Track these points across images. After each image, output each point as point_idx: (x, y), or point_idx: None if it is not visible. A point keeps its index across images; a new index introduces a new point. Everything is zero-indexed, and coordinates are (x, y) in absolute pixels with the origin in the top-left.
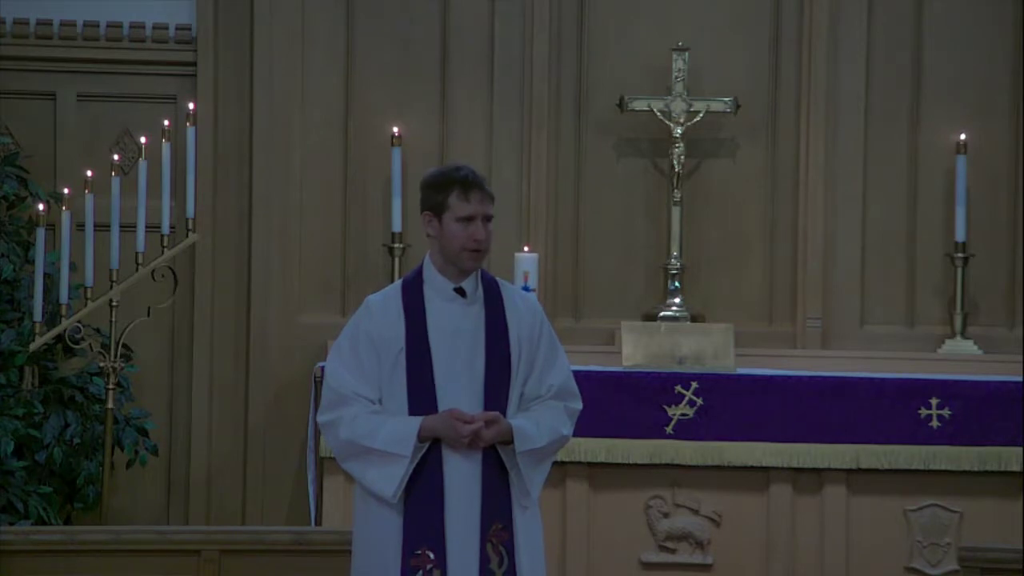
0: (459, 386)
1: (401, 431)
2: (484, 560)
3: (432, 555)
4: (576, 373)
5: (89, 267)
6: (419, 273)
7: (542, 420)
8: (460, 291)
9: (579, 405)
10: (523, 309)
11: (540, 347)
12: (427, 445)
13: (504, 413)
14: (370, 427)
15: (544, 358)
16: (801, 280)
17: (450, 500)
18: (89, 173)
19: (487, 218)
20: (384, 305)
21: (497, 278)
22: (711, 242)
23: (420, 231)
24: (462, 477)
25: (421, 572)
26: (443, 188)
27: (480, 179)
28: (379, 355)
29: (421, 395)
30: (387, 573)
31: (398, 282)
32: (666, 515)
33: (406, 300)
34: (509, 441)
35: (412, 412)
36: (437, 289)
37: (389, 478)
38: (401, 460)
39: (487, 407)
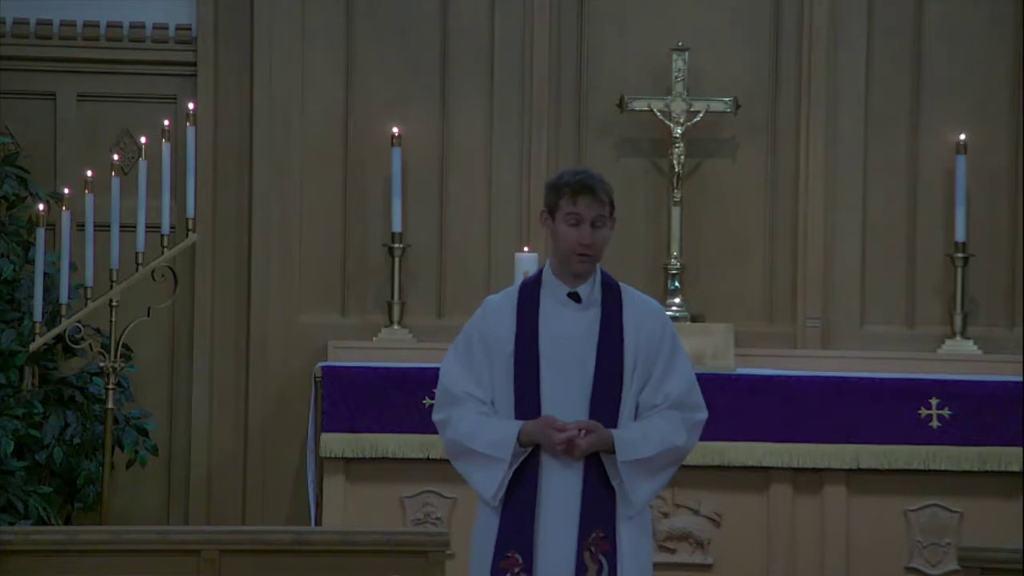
0: (566, 392)
1: (502, 434)
2: (580, 568)
3: (520, 559)
4: None
5: (89, 267)
6: (539, 276)
7: (653, 430)
8: (574, 296)
9: (702, 415)
10: (645, 316)
11: (660, 355)
12: (528, 450)
13: (615, 422)
14: (474, 428)
15: (663, 367)
16: (801, 280)
17: (545, 506)
18: (89, 173)
19: (597, 223)
20: (500, 306)
21: (622, 284)
22: (711, 242)
23: (419, 231)
24: (561, 484)
25: (509, 575)
26: (557, 188)
27: (594, 183)
28: (491, 356)
29: (526, 399)
30: (483, 573)
31: (518, 283)
32: (666, 515)
33: (521, 302)
34: (613, 450)
35: (518, 415)
36: (552, 293)
37: (489, 480)
38: (500, 463)
39: (593, 415)
